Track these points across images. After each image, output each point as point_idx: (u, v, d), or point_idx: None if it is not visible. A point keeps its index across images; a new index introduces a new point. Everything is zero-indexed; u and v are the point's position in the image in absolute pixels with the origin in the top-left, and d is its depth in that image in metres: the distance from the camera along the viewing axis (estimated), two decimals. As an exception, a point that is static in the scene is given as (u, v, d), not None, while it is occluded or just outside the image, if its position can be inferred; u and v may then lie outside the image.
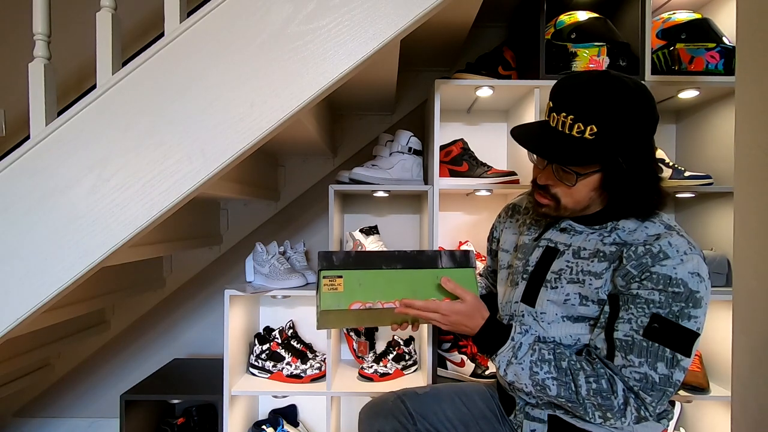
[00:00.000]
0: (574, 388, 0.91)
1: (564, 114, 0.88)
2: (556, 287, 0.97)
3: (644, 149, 0.91)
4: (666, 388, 0.86)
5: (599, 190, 0.93)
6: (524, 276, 1.03)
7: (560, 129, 0.89)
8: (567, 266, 0.97)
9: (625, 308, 0.89)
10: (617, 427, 0.96)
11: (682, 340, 0.85)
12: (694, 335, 0.85)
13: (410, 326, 1.13)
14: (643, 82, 1.54)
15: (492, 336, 1.00)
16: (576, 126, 0.87)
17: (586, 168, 0.90)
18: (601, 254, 0.94)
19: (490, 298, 1.21)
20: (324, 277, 1.00)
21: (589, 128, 0.86)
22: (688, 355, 0.86)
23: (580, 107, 0.87)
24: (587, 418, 0.93)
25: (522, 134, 0.96)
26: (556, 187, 0.95)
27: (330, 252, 1.03)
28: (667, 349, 0.85)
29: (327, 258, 1.02)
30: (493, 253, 1.26)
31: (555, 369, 0.93)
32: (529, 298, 1.01)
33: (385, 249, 1.76)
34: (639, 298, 0.87)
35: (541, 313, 0.99)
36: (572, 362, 0.93)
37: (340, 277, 1.00)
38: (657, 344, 0.85)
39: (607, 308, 0.92)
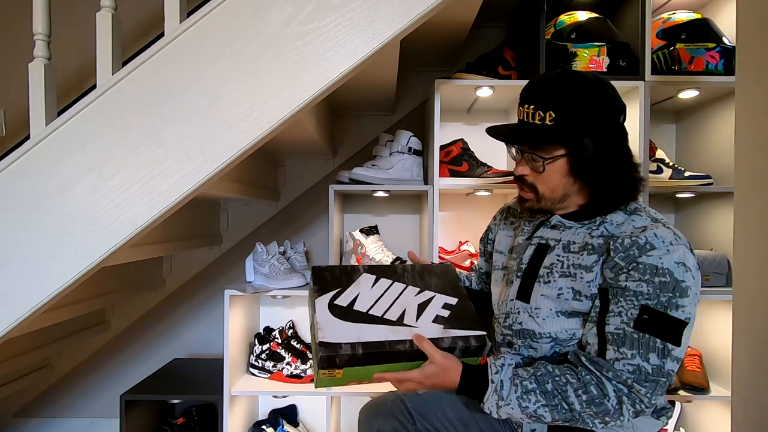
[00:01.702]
0: (567, 407, 0.91)
1: (527, 105, 0.98)
2: (549, 281, 0.99)
3: (610, 134, 0.96)
4: (659, 378, 0.87)
5: (571, 177, 0.98)
6: (518, 274, 1.05)
7: (525, 120, 0.98)
8: (558, 260, 0.99)
9: (615, 301, 0.91)
10: (617, 425, 0.96)
11: (672, 329, 0.87)
12: (683, 324, 0.87)
13: None
14: (643, 82, 1.56)
15: (473, 385, 0.97)
16: (537, 114, 0.96)
17: (550, 151, 0.97)
18: (590, 247, 0.96)
19: (478, 296, 1.25)
20: (321, 369, 0.90)
21: (548, 114, 0.94)
22: (678, 344, 0.87)
23: (539, 97, 0.96)
24: (590, 428, 0.93)
25: (495, 129, 1.06)
26: (531, 177, 1.01)
27: (336, 348, 0.88)
28: (658, 340, 0.87)
29: (329, 359, 0.88)
30: (486, 255, 1.28)
31: (542, 396, 0.92)
32: (524, 294, 1.02)
33: (389, 258, 1.76)
34: (627, 290, 0.89)
35: (535, 309, 1.00)
36: (556, 379, 0.92)
37: (341, 369, 0.91)
38: (648, 335, 0.87)
39: (598, 302, 0.94)
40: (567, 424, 0.93)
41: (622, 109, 0.97)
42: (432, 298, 1.02)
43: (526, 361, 1.03)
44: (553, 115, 0.94)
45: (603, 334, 0.91)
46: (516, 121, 1.03)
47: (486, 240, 1.28)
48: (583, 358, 0.93)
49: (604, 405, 0.89)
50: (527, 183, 1.02)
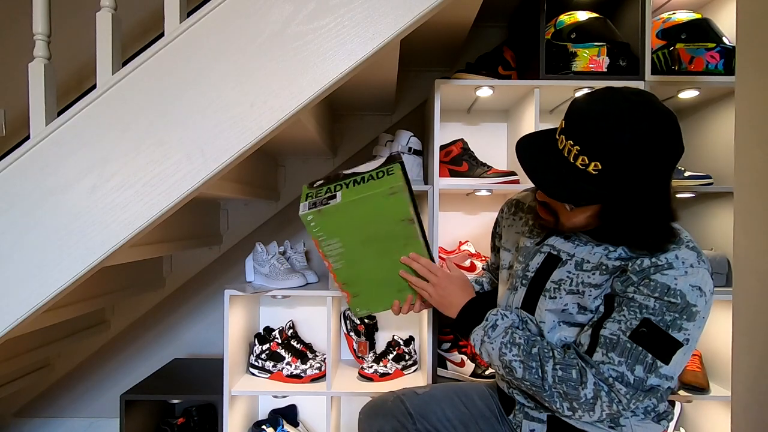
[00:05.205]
0: (540, 374, 0.91)
1: (571, 142, 0.84)
2: (555, 297, 0.97)
3: (655, 186, 0.85)
4: (638, 390, 0.86)
5: (597, 218, 0.91)
6: (523, 282, 1.03)
7: (566, 155, 0.85)
8: (567, 277, 0.96)
9: (618, 309, 0.89)
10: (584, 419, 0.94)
11: (666, 347, 0.85)
12: (678, 345, 0.85)
13: (413, 306, 1.16)
14: (643, 82, 1.55)
15: (472, 315, 1.04)
16: (581, 158, 0.83)
17: None
18: (604, 267, 0.93)
19: (492, 296, 1.21)
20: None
21: (593, 164, 0.82)
22: (667, 363, 0.85)
23: (587, 140, 0.82)
24: (554, 408, 0.92)
25: (526, 152, 0.92)
26: (555, 205, 0.94)
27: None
28: (649, 354, 0.85)
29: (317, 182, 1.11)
30: (496, 250, 1.25)
31: (523, 353, 0.94)
32: (529, 305, 1.01)
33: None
34: (633, 301, 0.87)
35: (540, 322, 0.99)
36: (543, 349, 0.93)
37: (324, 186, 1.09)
38: (640, 348, 0.85)
39: (602, 308, 0.92)
40: (533, 390, 0.94)
41: (680, 155, 0.84)
42: None
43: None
44: (600, 167, 0.81)
45: (596, 336, 0.90)
46: (545, 131, 0.94)
47: (494, 234, 1.24)
48: (575, 349, 0.93)
49: (577, 391, 0.88)
50: (549, 208, 0.96)
